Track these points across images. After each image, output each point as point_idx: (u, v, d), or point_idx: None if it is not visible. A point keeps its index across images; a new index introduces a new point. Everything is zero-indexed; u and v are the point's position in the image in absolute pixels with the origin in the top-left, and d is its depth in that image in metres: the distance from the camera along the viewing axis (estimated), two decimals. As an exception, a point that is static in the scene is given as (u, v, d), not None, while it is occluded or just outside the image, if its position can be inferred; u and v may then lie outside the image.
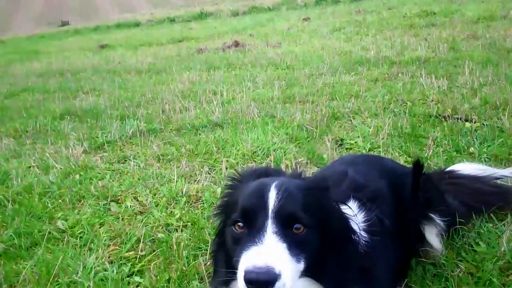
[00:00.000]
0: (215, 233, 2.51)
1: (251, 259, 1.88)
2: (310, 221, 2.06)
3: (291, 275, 1.90)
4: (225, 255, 2.23)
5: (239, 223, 2.11)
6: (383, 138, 5.70)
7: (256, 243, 1.93)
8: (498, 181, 4.04)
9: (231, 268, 2.04)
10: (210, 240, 3.74)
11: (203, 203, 4.68)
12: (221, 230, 2.38)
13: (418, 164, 3.27)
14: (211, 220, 4.05)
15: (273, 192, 2.09)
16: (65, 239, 4.23)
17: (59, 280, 3.51)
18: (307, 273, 2.08)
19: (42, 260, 3.79)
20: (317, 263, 2.09)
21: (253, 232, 1.99)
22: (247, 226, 2.07)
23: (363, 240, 2.42)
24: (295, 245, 1.98)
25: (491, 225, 3.66)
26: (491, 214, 3.75)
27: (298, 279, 2.07)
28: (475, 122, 5.90)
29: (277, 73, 10.95)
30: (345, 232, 2.24)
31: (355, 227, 2.34)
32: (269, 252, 1.89)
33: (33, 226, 4.45)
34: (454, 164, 4.49)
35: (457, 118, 6.16)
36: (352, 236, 2.27)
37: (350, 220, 2.33)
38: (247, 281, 1.81)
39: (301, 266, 2.01)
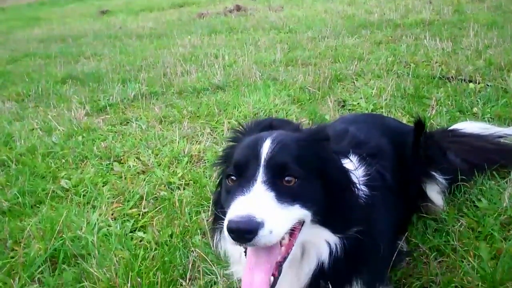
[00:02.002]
0: (216, 184, 2.53)
1: (235, 208, 1.89)
2: (302, 172, 2.05)
3: (280, 222, 1.89)
4: (221, 207, 2.24)
5: (232, 177, 2.13)
6: (386, 99, 5.68)
7: (244, 193, 1.94)
8: (501, 139, 4.03)
9: None
10: (212, 197, 3.76)
11: (205, 162, 4.70)
12: (220, 181, 2.39)
13: (419, 122, 3.26)
14: (213, 178, 4.07)
15: (266, 145, 2.09)
16: (69, 197, 4.27)
17: (63, 235, 3.54)
18: (312, 219, 2.10)
19: (46, 217, 3.83)
20: (320, 210, 2.10)
21: (243, 183, 2.00)
22: (239, 179, 2.08)
23: (363, 193, 2.42)
24: (287, 195, 1.98)
25: (493, 182, 3.67)
26: (494, 172, 3.76)
27: (305, 224, 2.10)
28: (479, 83, 5.87)
29: (280, 36, 10.86)
30: (344, 182, 2.24)
31: (355, 180, 2.34)
32: (253, 201, 1.90)
33: (37, 185, 4.48)
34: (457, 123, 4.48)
35: (461, 79, 6.13)
36: (352, 187, 2.27)
37: (350, 173, 2.33)
38: (229, 230, 1.82)
39: (297, 213, 2.03)
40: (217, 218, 2.31)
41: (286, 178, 2.02)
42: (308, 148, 2.17)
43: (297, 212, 2.01)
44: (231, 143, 2.42)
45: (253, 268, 1.95)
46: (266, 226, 1.80)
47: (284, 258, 2.01)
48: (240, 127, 2.51)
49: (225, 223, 1.85)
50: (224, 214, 1.98)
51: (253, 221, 1.79)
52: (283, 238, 1.99)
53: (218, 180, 2.49)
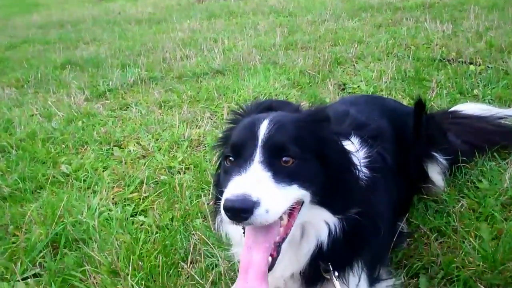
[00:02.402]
0: (217, 166, 2.52)
1: (231, 187, 1.89)
2: (300, 153, 2.04)
3: (276, 202, 1.88)
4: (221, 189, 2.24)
5: (230, 157, 2.12)
6: (386, 82, 5.66)
7: (240, 173, 1.93)
8: (502, 121, 4.01)
9: None
10: (212, 180, 3.76)
11: (205, 146, 4.69)
12: (220, 163, 2.39)
13: (420, 103, 3.23)
14: (213, 161, 4.06)
15: (264, 125, 2.07)
16: (69, 182, 4.27)
17: (64, 220, 3.55)
18: (311, 199, 2.10)
19: (47, 202, 3.83)
20: (319, 191, 2.10)
21: (241, 163, 1.99)
22: (236, 159, 2.07)
23: (364, 175, 2.41)
24: (284, 175, 1.96)
25: (493, 163, 3.66)
26: (494, 153, 3.75)
27: (304, 205, 2.09)
28: (479, 65, 5.85)
29: (279, 20, 10.81)
30: (344, 163, 2.23)
31: (356, 162, 2.33)
32: (249, 180, 1.89)
33: (37, 171, 4.48)
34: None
35: (462, 62, 6.11)
36: (353, 168, 2.27)
37: (350, 154, 2.32)
38: (225, 209, 1.82)
39: (295, 193, 2.01)
40: (218, 200, 2.31)
41: (284, 159, 2.00)
42: (307, 129, 2.15)
43: (295, 193, 2.00)
44: (230, 125, 2.41)
45: (252, 247, 1.94)
46: (262, 205, 1.79)
47: (283, 239, 2.00)
48: (240, 109, 2.49)
49: (222, 202, 1.84)
50: (222, 194, 1.98)
51: (249, 200, 1.78)
52: (281, 219, 1.99)
53: (218, 162, 2.48)
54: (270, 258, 1.93)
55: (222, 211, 1.84)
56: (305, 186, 2.02)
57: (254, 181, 1.88)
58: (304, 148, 2.05)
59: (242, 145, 2.06)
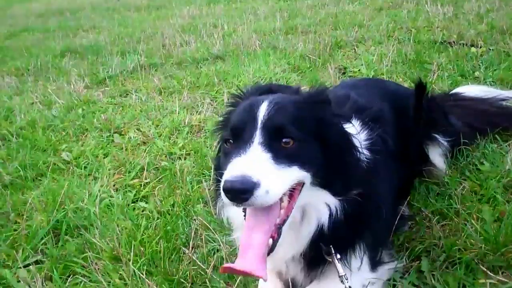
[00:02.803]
0: (217, 150, 2.51)
1: (231, 169, 1.88)
2: (301, 134, 2.03)
3: (276, 183, 1.87)
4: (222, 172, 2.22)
5: (229, 140, 2.11)
6: (387, 65, 5.63)
7: (240, 155, 1.93)
8: (504, 103, 3.98)
9: None
10: (213, 166, 3.75)
11: (206, 132, 4.68)
12: (220, 147, 2.37)
13: (420, 85, 3.21)
14: (213, 146, 4.05)
15: (263, 107, 2.06)
16: (70, 169, 4.27)
17: (65, 207, 3.55)
18: (312, 181, 2.09)
19: (48, 189, 3.84)
20: (319, 172, 2.09)
21: (240, 145, 1.98)
22: (236, 142, 2.06)
23: (365, 158, 2.40)
24: (284, 157, 1.96)
25: (495, 145, 3.64)
26: (496, 135, 3.72)
27: (305, 186, 2.08)
28: (481, 47, 5.81)
29: (279, 5, 10.75)
30: (344, 145, 2.22)
31: (357, 144, 2.32)
32: (249, 161, 1.89)
33: (38, 158, 4.48)
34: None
35: (463, 44, 6.06)
36: (353, 150, 2.25)
37: (351, 136, 2.30)
38: (225, 190, 1.81)
39: (295, 174, 2.00)
40: (219, 184, 2.30)
41: (284, 140, 1.99)
42: (307, 110, 2.14)
43: (295, 174, 1.98)
44: (230, 108, 2.39)
45: (252, 228, 1.94)
46: (262, 186, 1.78)
47: (284, 221, 1.99)
48: (239, 92, 2.48)
49: (221, 183, 1.83)
50: (219, 180, 1.96)
51: (248, 180, 1.77)
52: (282, 201, 1.98)
53: (218, 146, 2.47)
54: (271, 240, 1.92)
55: (222, 193, 1.82)
56: (306, 167, 2.01)
57: (254, 162, 1.88)
58: (304, 129, 2.04)
59: (241, 127, 2.05)
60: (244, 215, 2.05)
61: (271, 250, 1.91)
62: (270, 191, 1.80)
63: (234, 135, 2.07)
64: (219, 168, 2.27)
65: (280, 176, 1.90)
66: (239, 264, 1.86)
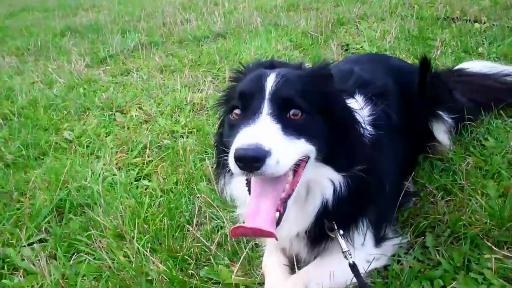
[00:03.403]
0: (218, 125, 2.49)
1: (242, 137, 1.85)
2: (308, 106, 2.02)
3: (286, 154, 1.86)
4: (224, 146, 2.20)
5: (236, 110, 2.08)
6: (390, 42, 5.58)
7: (250, 124, 1.91)
8: (508, 78, 3.94)
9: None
10: (213, 140, 3.75)
11: (208, 110, 4.65)
12: (222, 121, 2.35)
13: (425, 61, 3.17)
14: (216, 125, 4.04)
15: (271, 78, 2.05)
16: (72, 148, 4.26)
17: (68, 186, 3.54)
18: (317, 156, 2.09)
19: (51, 168, 3.83)
20: (324, 147, 2.08)
21: (249, 115, 1.96)
22: (243, 111, 2.04)
23: (369, 133, 2.38)
24: (293, 128, 1.94)
25: (500, 121, 3.61)
26: (500, 111, 3.69)
27: (310, 161, 2.07)
28: (484, 23, 5.76)
29: (280, -18, 10.61)
30: (348, 120, 2.20)
31: (360, 120, 2.30)
32: (260, 130, 1.87)
33: (40, 137, 4.47)
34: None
35: (466, 20, 6.01)
36: (356, 125, 2.24)
37: (354, 111, 2.28)
38: (236, 158, 1.78)
39: (303, 147, 1.98)
40: (221, 162, 2.28)
41: (292, 112, 1.98)
42: (312, 84, 2.11)
43: (303, 147, 1.97)
44: (232, 83, 2.37)
45: (259, 197, 1.92)
46: (273, 155, 1.76)
47: (289, 195, 1.98)
48: (241, 67, 2.45)
49: (231, 152, 1.81)
50: (225, 152, 1.95)
51: (261, 148, 1.75)
52: (287, 175, 1.96)
53: (219, 121, 2.44)
54: (277, 214, 1.90)
55: (232, 162, 1.81)
56: (312, 141, 2.00)
57: (265, 132, 1.86)
58: (311, 102, 2.03)
59: (249, 96, 2.04)
60: (248, 190, 2.03)
61: (277, 223, 1.90)
62: (280, 161, 1.79)
63: (242, 104, 2.05)
64: (221, 142, 2.25)
65: (289, 147, 1.89)
66: (250, 224, 1.84)
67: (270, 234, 1.83)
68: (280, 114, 1.95)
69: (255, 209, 1.88)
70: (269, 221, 1.85)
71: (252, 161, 1.75)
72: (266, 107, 1.95)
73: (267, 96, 1.98)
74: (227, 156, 1.89)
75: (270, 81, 2.03)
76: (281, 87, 2.01)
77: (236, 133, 1.91)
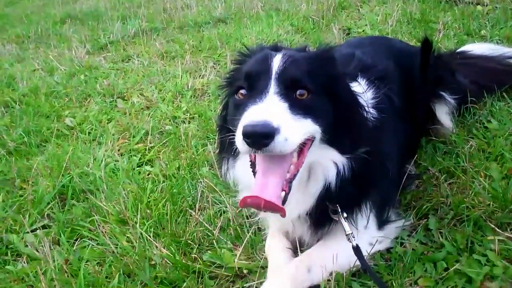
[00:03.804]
0: (221, 108, 2.48)
1: (250, 115, 1.85)
2: (314, 87, 2.02)
3: (294, 132, 1.86)
4: (228, 127, 2.19)
5: (242, 90, 2.08)
6: (391, 25, 5.54)
7: (257, 103, 1.91)
8: (511, 60, 3.91)
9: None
10: (216, 123, 3.74)
11: (209, 96, 4.64)
12: (226, 104, 2.34)
13: (426, 42, 3.15)
14: (218, 110, 4.03)
15: (278, 59, 2.05)
16: (74, 135, 4.27)
17: (70, 172, 3.54)
18: (321, 137, 2.08)
19: (53, 155, 3.83)
20: (329, 128, 2.08)
21: (256, 94, 1.96)
22: (250, 91, 2.04)
23: (372, 116, 2.37)
24: (299, 108, 1.95)
25: (503, 103, 3.59)
26: (503, 93, 3.67)
27: (314, 142, 2.07)
28: (486, 6, 5.71)
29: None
30: (352, 102, 2.20)
31: (363, 103, 2.29)
32: (268, 108, 1.87)
33: (41, 124, 4.47)
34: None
35: (468, 2, 5.95)
36: (360, 108, 2.23)
37: (357, 95, 2.27)
38: (245, 134, 1.78)
39: (309, 126, 1.98)
40: (224, 145, 2.28)
41: (299, 92, 1.99)
42: (317, 66, 2.12)
43: (309, 126, 1.98)
44: (236, 65, 2.36)
45: (265, 173, 1.92)
46: (282, 132, 1.77)
47: (294, 175, 1.98)
48: (245, 49, 2.44)
49: (239, 130, 1.81)
50: (231, 131, 1.94)
51: (270, 125, 1.75)
52: (292, 156, 1.97)
53: (223, 103, 2.43)
54: (283, 193, 1.90)
55: (240, 139, 1.81)
56: (318, 121, 2.01)
57: (273, 109, 1.86)
58: (317, 84, 2.04)
59: (256, 76, 2.04)
60: (253, 171, 2.02)
61: (283, 202, 1.89)
62: (288, 139, 1.80)
63: (249, 84, 2.06)
64: (224, 128, 2.25)
65: (296, 126, 1.89)
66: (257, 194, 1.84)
67: (280, 209, 1.84)
68: (287, 93, 1.96)
69: (263, 183, 1.89)
70: (277, 196, 1.85)
71: (261, 137, 1.75)
72: (273, 87, 1.96)
73: (273, 75, 1.99)
74: (233, 135, 1.88)
75: (277, 61, 2.03)
76: (288, 67, 2.02)
77: (243, 112, 1.91)
